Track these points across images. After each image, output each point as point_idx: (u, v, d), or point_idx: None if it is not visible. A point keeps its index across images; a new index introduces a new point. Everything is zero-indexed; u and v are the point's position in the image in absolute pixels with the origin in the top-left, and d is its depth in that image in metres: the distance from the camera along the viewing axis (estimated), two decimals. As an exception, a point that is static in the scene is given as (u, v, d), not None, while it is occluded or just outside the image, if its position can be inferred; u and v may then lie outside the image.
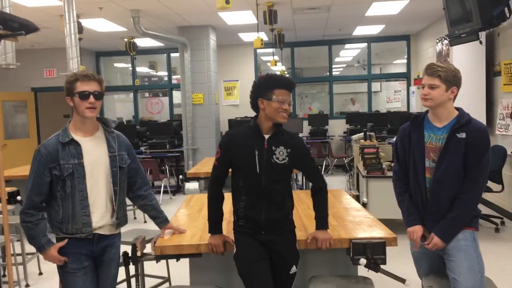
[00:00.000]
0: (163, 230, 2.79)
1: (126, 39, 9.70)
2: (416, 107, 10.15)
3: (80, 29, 7.18)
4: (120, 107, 14.29)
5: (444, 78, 2.48)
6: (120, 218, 2.62)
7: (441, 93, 2.49)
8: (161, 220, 2.79)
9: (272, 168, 2.47)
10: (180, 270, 3.73)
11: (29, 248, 5.08)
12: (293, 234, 2.60)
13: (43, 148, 2.43)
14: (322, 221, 2.61)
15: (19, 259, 4.49)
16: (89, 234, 2.47)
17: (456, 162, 2.48)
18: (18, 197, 4.74)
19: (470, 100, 6.63)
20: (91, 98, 2.42)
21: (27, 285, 4.49)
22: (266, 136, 2.52)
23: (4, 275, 4.19)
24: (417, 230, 2.58)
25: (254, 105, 2.54)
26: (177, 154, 9.44)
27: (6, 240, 2.47)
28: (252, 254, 2.49)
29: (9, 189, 4.50)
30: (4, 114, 10.70)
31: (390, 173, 5.47)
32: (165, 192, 8.62)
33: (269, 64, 10.92)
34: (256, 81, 2.55)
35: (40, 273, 4.77)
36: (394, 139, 8.94)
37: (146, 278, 3.86)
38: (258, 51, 11.78)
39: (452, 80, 2.49)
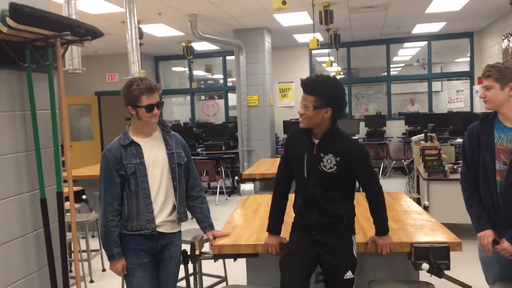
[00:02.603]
0: (208, 234, 2.80)
1: (183, 43, 9.93)
2: (480, 107, 9.68)
3: (141, 34, 7.43)
4: (177, 110, 14.63)
5: (496, 77, 2.39)
6: (181, 214, 2.70)
7: (496, 93, 2.41)
8: (206, 225, 2.81)
9: (320, 175, 2.41)
10: (238, 269, 3.75)
11: (94, 245, 5.31)
12: (349, 239, 2.50)
13: (107, 152, 2.56)
14: (381, 226, 2.52)
15: (84, 255, 4.69)
16: (153, 230, 2.57)
17: None
18: (83, 196, 4.97)
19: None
20: (155, 110, 2.54)
21: (92, 280, 4.69)
22: (316, 141, 2.45)
23: (70, 271, 4.39)
24: (488, 234, 2.44)
25: None
26: (233, 155, 9.54)
27: (73, 237, 2.58)
28: (294, 246, 2.50)
29: (75, 188, 4.71)
30: (69, 117, 11.26)
31: (452, 176, 5.27)
32: (221, 193, 8.73)
33: (324, 65, 10.80)
34: None
35: (104, 270, 4.98)
36: (457, 140, 8.55)
37: (204, 277, 3.92)
38: (313, 52, 11.68)
39: (509, 77, 2.38)
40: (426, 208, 4.78)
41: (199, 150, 9.70)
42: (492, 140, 2.45)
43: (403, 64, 15.33)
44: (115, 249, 2.54)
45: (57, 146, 2.51)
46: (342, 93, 2.42)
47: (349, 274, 2.41)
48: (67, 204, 3.03)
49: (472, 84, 11.23)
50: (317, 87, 2.37)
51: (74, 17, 4.34)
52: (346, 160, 2.39)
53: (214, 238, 2.76)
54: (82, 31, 2.44)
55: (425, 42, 11.43)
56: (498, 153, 2.43)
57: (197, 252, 2.76)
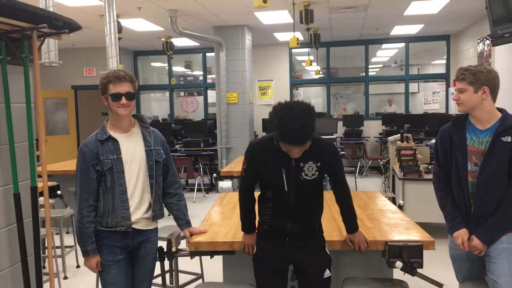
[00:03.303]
0: (185, 231, 2.79)
1: (163, 39, 9.85)
2: (455, 109, 9.86)
3: (120, 28, 7.33)
4: (156, 106, 14.52)
5: (470, 80, 2.42)
6: (156, 211, 2.67)
7: (469, 95, 2.43)
8: (183, 222, 2.79)
9: (301, 185, 2.37)
10: (214, 267, 3.76)
11: (68, 241, 5.24)
12: (321, 239, 2.52)
13: (84, 146, 2.52)
14: (354, 224, 2.55)
15: (58, 252, 4.63)
16: (128, 227, 2.54)
17: (501, 167, 2.39)
18: (58, 192, 4.89)
19: (513, 102, 6.39)
20: (123, 100, 2.47)
21: (66, 277, 4.63)
22: None
23: (44, 267, 4.32)
24: (463, 233, 2.49)
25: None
26: (211, 152, 9.52)
27: (48, 233, 2.54)
28: (270, 262, 2.46)
29: (49, 183, 4.63)
30: (45, 111, 11.05)
31: (427, 176, 5.37)
32: (199, 190, 8.70)
33: (304, 64, 10.86)
34: (272, 116, 2.21)
35: (78, 266, 4.92)
36: (432, 141, 8.71)
37: (180, 274, 3.91)
38: (293, 51, 11.73)
39: (482, 80, 2.41)
40: (400, 207, 4.86)
41: (177, 146, 9.66)
42: (464, 142, 2.50)
43: (381, 65, 15.55)
44: (90, 245, 2.51)
45: (32, 140, 2.47)
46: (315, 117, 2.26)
47: (327, 273, 2.44)
48: (41, 199, 2.99)
49: (447, 86, 11.45)
50: (307, 136, 2.19)
51: (51, 9, 4.26)
52: (325, 162, 2.39)
53: (191, 235, 2.75)
54: (60, 24, 2.40)
55: (403, 44, 11.59)
56: (470, 155, 2.48)
57: (173, 249, 2.75)
